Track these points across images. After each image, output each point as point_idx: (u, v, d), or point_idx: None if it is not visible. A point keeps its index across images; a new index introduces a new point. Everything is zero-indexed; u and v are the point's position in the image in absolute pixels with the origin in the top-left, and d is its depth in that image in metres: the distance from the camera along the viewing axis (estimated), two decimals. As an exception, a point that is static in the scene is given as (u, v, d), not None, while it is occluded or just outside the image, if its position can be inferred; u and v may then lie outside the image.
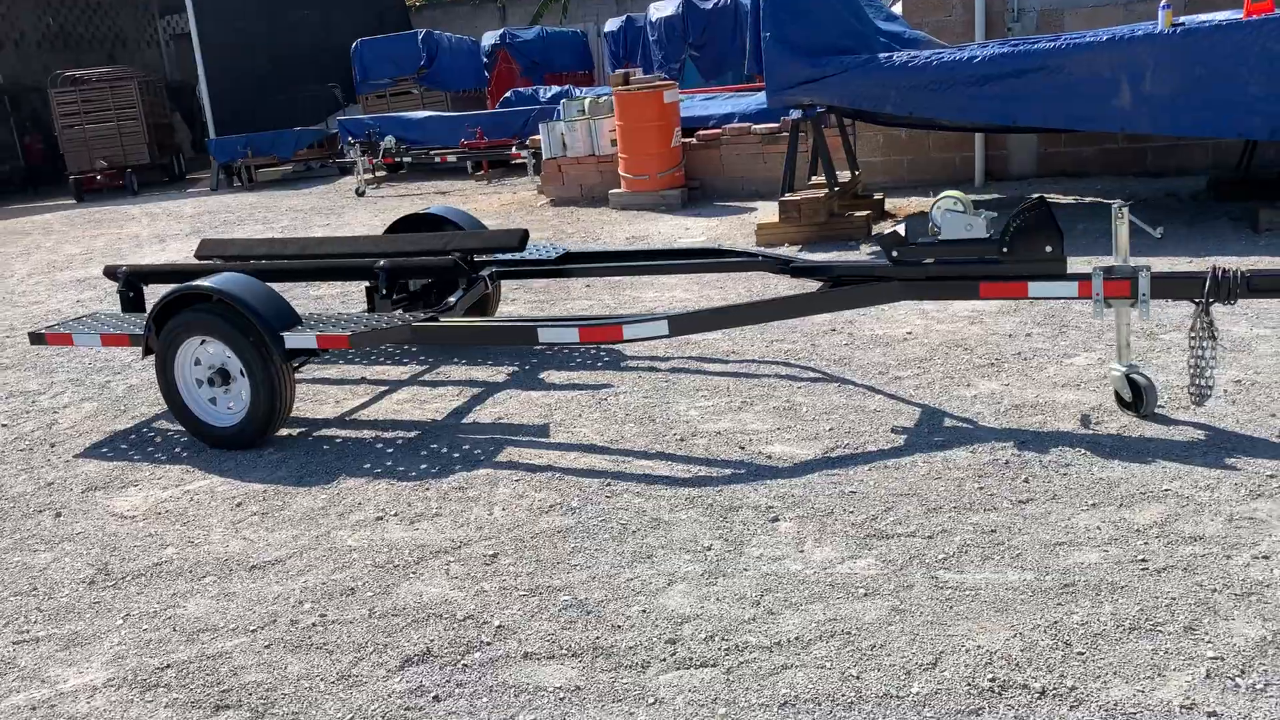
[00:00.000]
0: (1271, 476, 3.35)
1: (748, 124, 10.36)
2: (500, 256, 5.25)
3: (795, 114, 7.52)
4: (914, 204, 8.82)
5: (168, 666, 2.87)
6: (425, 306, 5.11)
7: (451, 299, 4.91)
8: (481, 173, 15.43)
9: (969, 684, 2.47)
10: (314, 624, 3.01)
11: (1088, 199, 8.37)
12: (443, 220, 5.52)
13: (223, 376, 4.38)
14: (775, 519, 3.39)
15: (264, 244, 5.56)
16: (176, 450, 4.53)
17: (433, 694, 2.63)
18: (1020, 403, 4.15)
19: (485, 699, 2.59)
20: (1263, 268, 3.67)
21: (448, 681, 2.68)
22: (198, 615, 3.13)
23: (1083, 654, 2.55)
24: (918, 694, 2.46)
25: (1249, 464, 3.44)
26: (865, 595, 2.90)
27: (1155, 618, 2.66)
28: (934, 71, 6.72)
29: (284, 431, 4.60)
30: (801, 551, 3.17)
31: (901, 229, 4.08)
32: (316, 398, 5.07)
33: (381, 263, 4.76)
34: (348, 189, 15.37)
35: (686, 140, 10.47)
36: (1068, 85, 6.47)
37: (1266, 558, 2.89)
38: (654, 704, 2.52)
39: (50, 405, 5.42)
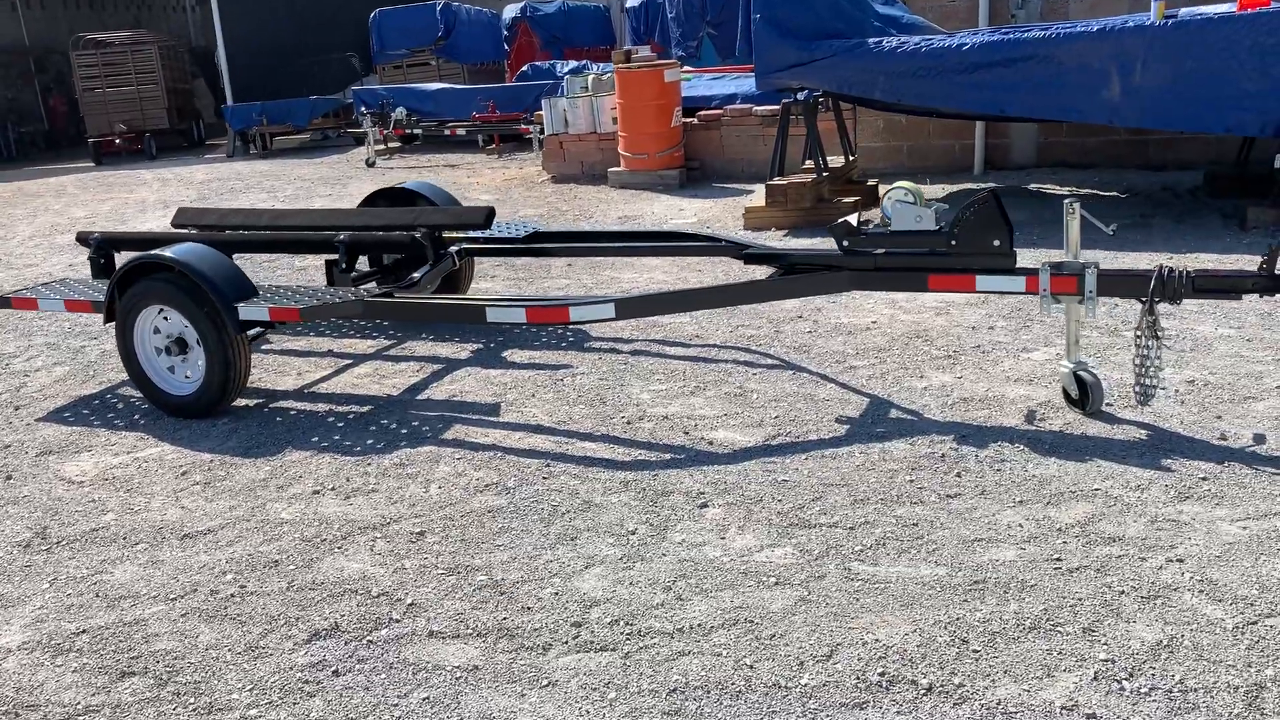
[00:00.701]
0: (1204, 479, 3.32)
1: (749, 105, 10.30)
2: (471, 234, 5.25)
3: (788, 98, 7.46)
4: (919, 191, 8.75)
5: (83, 632, 2.91)
6: (395, 281, 5.12)
7: (417, 274, 4.93)
8: (493, 146, 15.41)
9: (859, 677, 2.48)
10: (233, 594, 3.05)
11: (1084, 190, 8.28)
12: (416, 195, 5.53)
13: (180, 345, 4.41)
14: (704, 505, 3.39)
15: (238, 214, 5.59)
16: (135, 417, 4.58)
17: (333, 669, 2.66)
18: (969, 396, 4.13)
19: (384, 675, 2.62)
20: (1208, 268, 3.63)
21: (350, 657, 2.71)
22: (123, 582, 3.17)
23: (978, 652, 2.55)
24: (806, 685, 2.47)
25: (1184, 465, 3.42)
26: (776, 584, 2.91)
27: (1057, 618, 2.65)
28: (923, 58, 6.65)
29: (242, 402, 4.64)
30: (723, 539, 3.17)
31: (854, 219, 4.05)
32: (281, 369, 5.11)
33: (341, 236, 4.77)
34: (359, 159, 15.40)
35: (688, 120, 10.42)
36: (1057, 75, 6.40)
37: (1181, 561, 2.87)
38: (547, 686, 2.54)
39: (23, 368, 5.48)
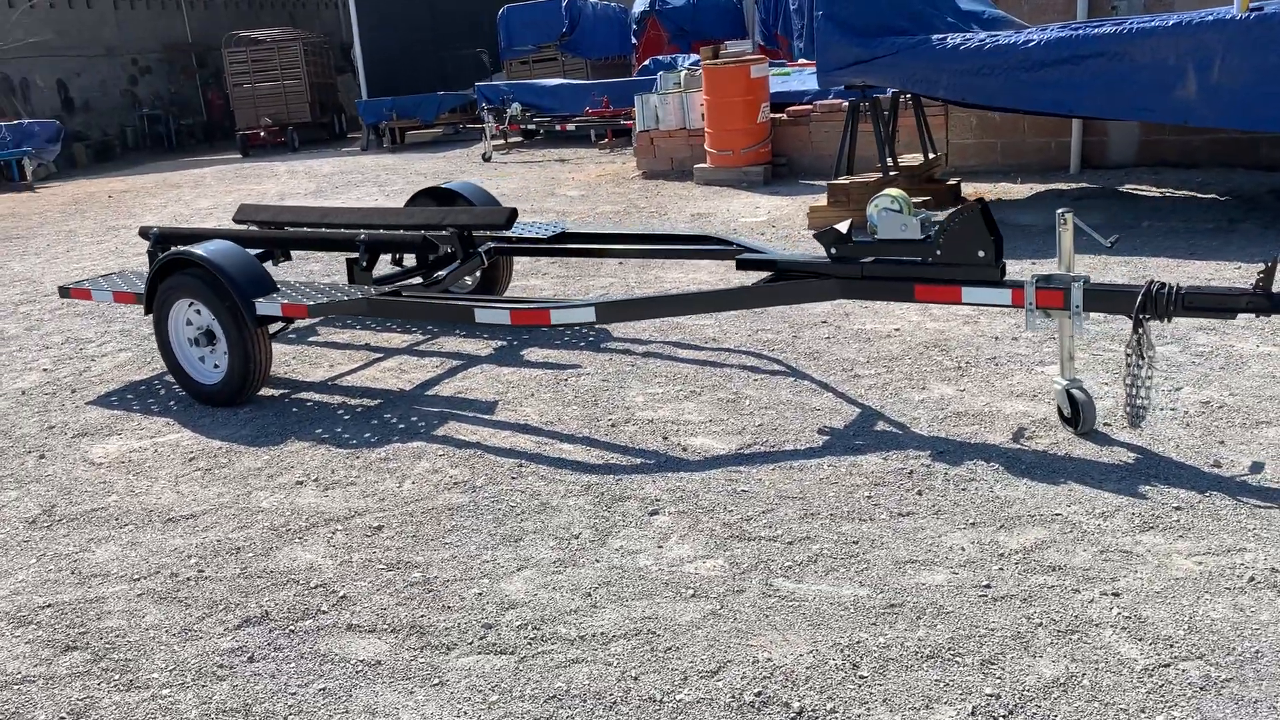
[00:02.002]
0: (1178, 508, 3.15)
1: (840, 100, 10.11)
2: (503, 234, 5.35)
3: (855, 95, 7.32)
4: (1000, 190, 8.47)
5: (49, 606, 3.13)
6: (430, 278, 5.26)
7: (442, 273, 5.06)
8: (605, 141, 15.58)
9: (734, 696, 2.46)
10: (189, 578, 3.23)
11: (1181, 192, 7.84)
12: (456, 195, 5.67)
13: (209, 337, 4.66)
14: (655, 512, 3.40)
15: (289, 211, 5.85)
16: (171, 404, 4.86)
17: (249, 655, 2.79)
18: (964, 410, 4.00)
19: (292, 665, 2.74)
20: (1200, 284, 3.42)
21: (268, 644, 2.83)
22: (100, 561, 3.39)
23: (865, 677, 2.49)
24: (680, 701, 2.46)
25: (1161, 493, 3.24)
26: (693, 597, 2.90)
27: (961, 648, 2.57)
28: (986, 56, 6.43)
29: (269, 391, 4.87)
30: (660, 548, 3.18)
31: (844, 225, 3.97)
32: (317, 360, 5.33)
33: (361, 236, 4.94)
34: (480, 154, 15.70)
35: (777, 115, 10.32)
36: (1128, 73, 6.09)
37: (1116, 595, 2.74)
38: (437, 685, 2.61)
39: (93, 353, 5.87)
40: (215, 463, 4.11)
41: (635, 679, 2.56)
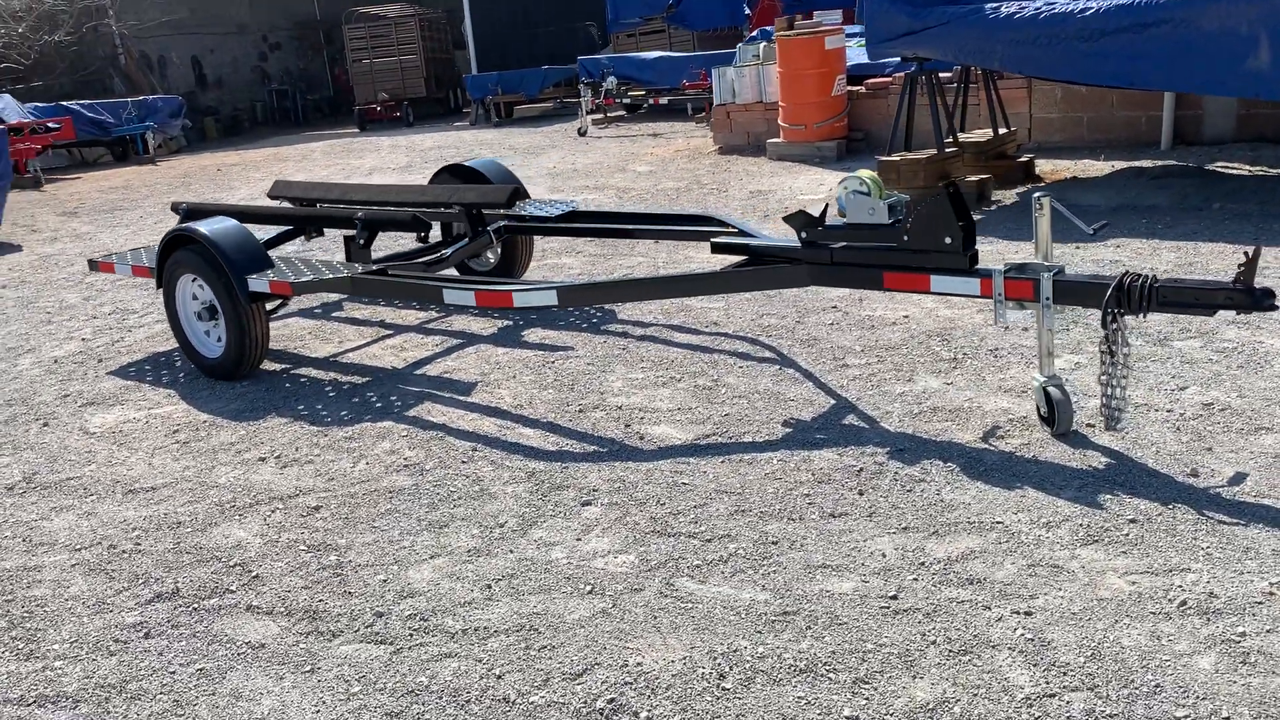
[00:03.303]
0: (1132, 520, 2.90)
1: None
2: (513, 213, 5.30)
3: (910, 67, 6.99)
4: (1079, 168, 8.01)
5: (-11, 572, 3.24)
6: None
7: (448, 251, 5.06)
8: (702, 115, 15.38)
9: (586, 703, 2.37)
10: (125, 550, 3.30)
11: (1275, 171, 7.26)
12: (475, 172, 5.65)
13: (211, 312, 4.76)
14: (587, 503, 3.32)
15: (318, 188, 5.93)
16: (180, 376, 4.99)
17: (147, 631, 2.83)
18: (943, 405, 3.78)
19: (182, 643, 2.76)
20: (1176, 276, 3.13)
21: (168, 621, 2.87)
22: (52, 530, 3.50)
23: (727, 690, 2.37)
24: (532, 704, 2.39)
25: (1120, 503, 2.99)
26: (590, 593, 2.81)
27: (840, 664, 2.42)
28: (1042, 25, 6.04)
29: (274, 365, 4.95)
30: (579, 540, 3.10)
31: (826, 208, 3.78)
32: (329, 336, 5.40)
33: (359, 214, 4.96)
34: (577, 128, 15.66)
35: (855, 88, 9.98)
36: (1194, 42, 5.63)
37: (1029, 614, 2.54)
38: (308, 672, 2.59)
39: (134, 324, 6.08)
40: (194, 436, 4.20)
41: (499, 677, 2.49)
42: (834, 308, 4.97)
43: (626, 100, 16.59)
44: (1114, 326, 3.15)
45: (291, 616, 2.84)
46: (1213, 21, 5.59)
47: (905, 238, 3.48)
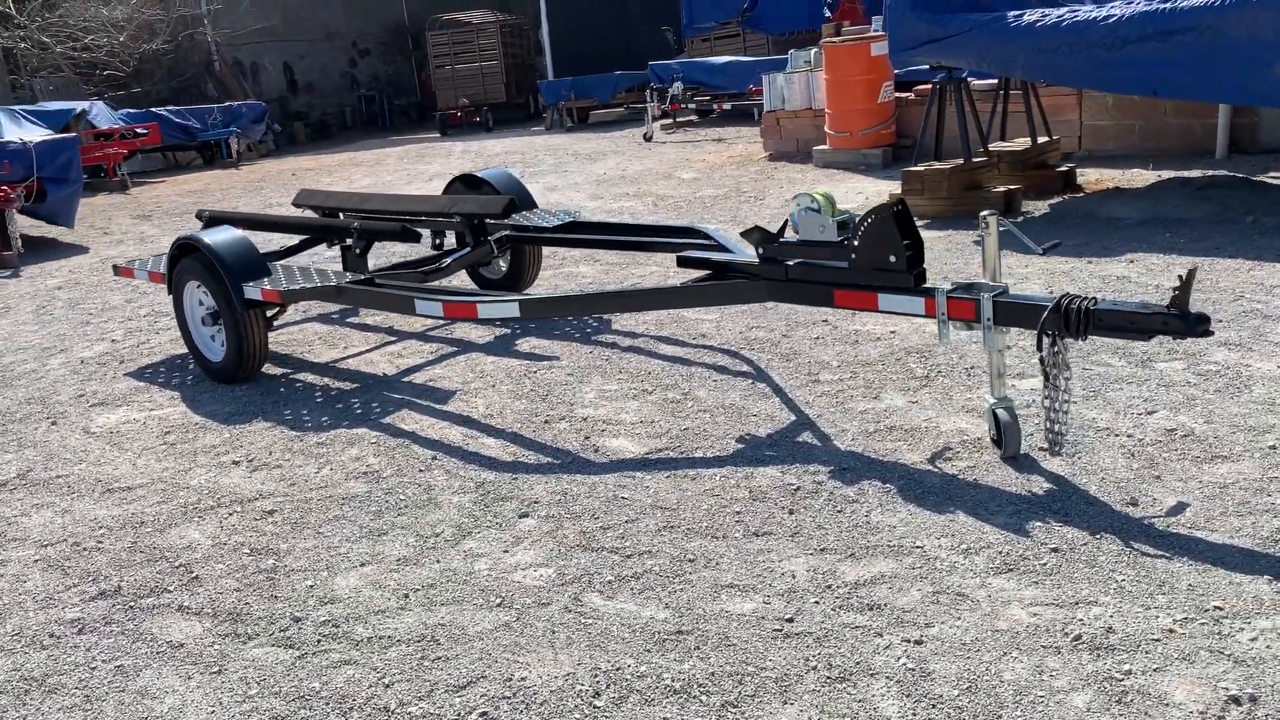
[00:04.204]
0: (1055, 550, 2.84)
1: (970, 79, 9.52)
2: (517, 223, 5.37)
3: (941, 76, 6.88)
4: (1125, 178, 7.78)
5: (-40, 565, 3.42)
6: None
7: (447, 260, 5.16)
8: (765, 120, 15.33)
9: (459, 715, 2.42)
10: (86, 548, 3.45)
11: (1328, 182, 6.96)
12: (483, 182, 5.74)
13: (214, 317, 4.94)
14: (525, 515, 3.36)
15: (337, 197, 6.09)
16: (188, 379, 5.18)
17: (81, 627, 2.96)
18: (900, 425, 3.73)
19: (109, 641, 2.89)
20: (1114, 299, 3.04)
21: (104, 619, 3.00)
22: (29, 526, 3.67)
23: (598, 708, 2.39)
24: (409, 715, 2.44)
25: (1048, 531, 2.92)
26: (499, 606, 2.86)
27: (716, 686, 2.42)
28: (1065, 33, 5.89)
29: (275, 370, 5.11)
30: (506, 552, 3.15)
31: (781, 225, 3.76)
32: (336, 341, 5.55)
33: (355, 224, 5.09)
34: (644, 134, 15.68)
35: (904, 95, 9.84)
36: (1222, 50, 5.44)
37: (920, 644, 2.50)
38: (215, 673, 2.69)
39: (163, 326, 6.32)
40: (183, 438, 4.36)
41: (388, 686, 2.55)
42: (824, 321, 4.93)
43: (692, 105, 16.60)
44: (1054, 349, 3.08)
45: (216, 618, 2.94)
46: (1240, 29, 5.39)
47: (853, 256, 3.45)
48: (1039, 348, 3.06)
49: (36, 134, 13.16)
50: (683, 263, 4.10)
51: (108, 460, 4.21)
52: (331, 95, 29.91)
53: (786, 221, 3.73)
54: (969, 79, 8.86)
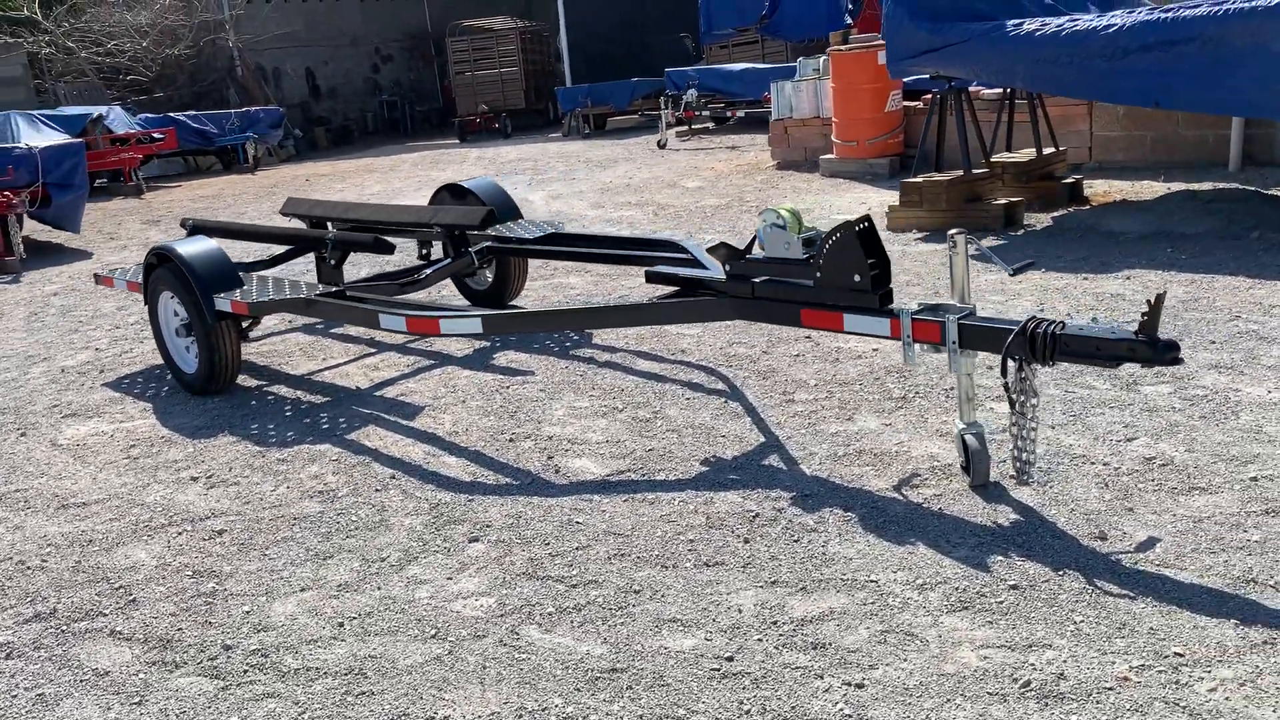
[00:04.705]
0: (1014, 587, 2.70)
1: (979, 88, 9.37)
2: (499, 234, 5.28)
3: (942, 86, 6.74)
4: (1134, 190, 7.61)
5: (-97, 583, 3.36)
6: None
7: (428, 271, 5.08)
8: (781, 128, 15.19)
9: (374, 755, 2.32)
10: (30, 567, 3.38)
11: (1342, 196, 6.76)
12: (467, 192, 5.65)
13: (188, 328, 4.87)
14: (475, 539, 3.27)
15: (323, 205, 6.03)
16: (163, 390, 5.12)
17: (9, 651, 2.89)
18: (869, 449, 3.60)
19: (35, 667, 2.81)
20: (1080, 323, 2.90)
21: (33, 643, 2.92)
22: (-23, 542, 3.61)
23: (518, 751, 2.29)
24: (323, 753, 2.34)
25: (1010, 566, 2.79)
26: (433, 637, 2.76)
27: (643, 729, 2.31)
28: (1064, 43, 5.73)
29: (250, 381, 5.05)
30: (449, 580, 3.05)
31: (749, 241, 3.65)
32: (316, 352, 5.47)
33: (330, 235, 5.01)
34: (665, 140, 15.52)
35: (912, 104, 9.69)
36: (1225, 61, 5.27)
37: (860, 687, 2.38)
38: (136, 704, 2.60)
39: (148, 335, 6.25)
40: (146, 452, 4.29)
41: (303, 723, 2.46)
42: (807, 337, 4.81)
43: (706, 113, 16.49)
44: (1021, 375, 2.95)
45: (147, 644, 2.86)
46: (1244, 39, 5.22)
47: (818, 274, 3.33)
48: (1003, 373, 2.93)
49: (55, 138, 13.27)
50: (651, 278, 3.99)
51: (69, 474, 4.14)
52: (354, 101, 29.99)
53: (753, 238, 3.61)
54: (977, 88, 8.71)
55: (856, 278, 3.23)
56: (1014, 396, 2.94)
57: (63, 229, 10.59)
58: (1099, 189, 7.75)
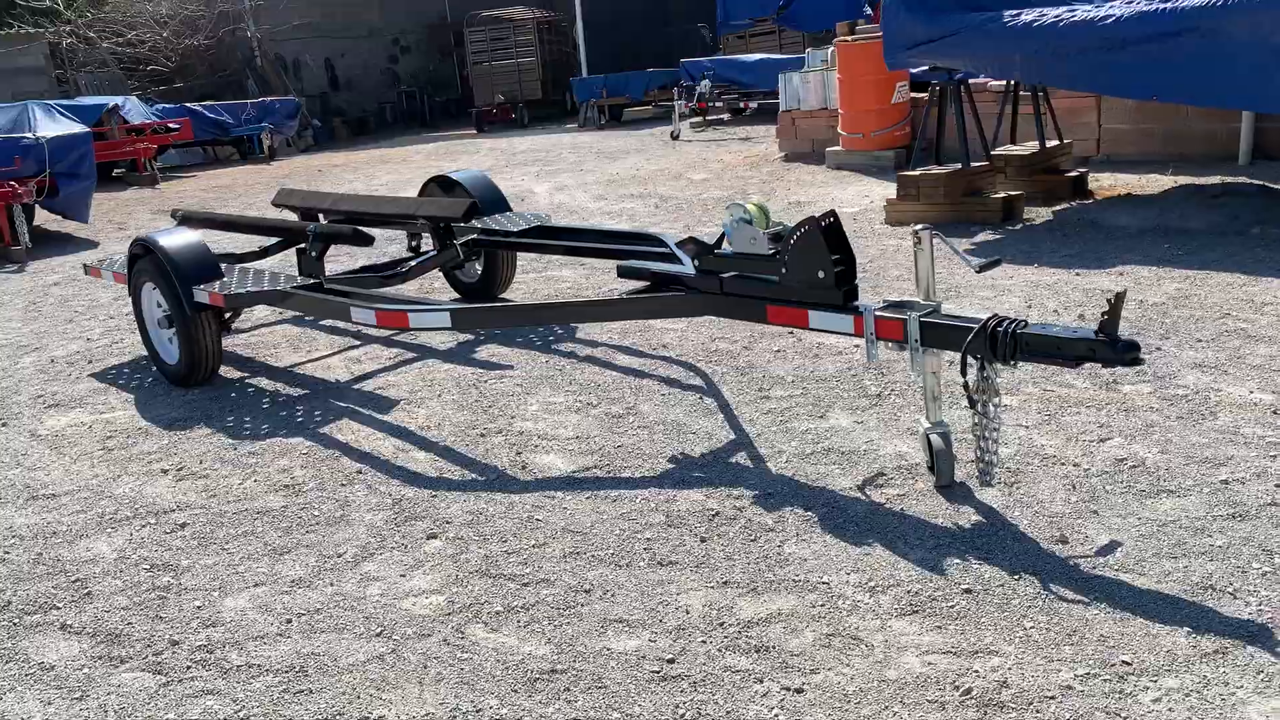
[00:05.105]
0: (967, 591, 2.65)
1: (986, 79, 9.24)
2: (480, 226, 5.25)
3: (941, 77, 6.65)
4: (1140, 184, 7.49)
5: None
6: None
7: (412, 263, 5.05)
8: (794, 119, 15.08)
9: (304, 755, 2.29)
10: (-8, 559, 3.38)
11: (1352, 191, 6.63)
12: (455, 184, 5.62)
13: (170, 320, 4.87)
14: (433, 536, 3.24)
15: (314, 196, 6.02)
16: (147, 380, 5.12)
17: (-41, 644, 2.88)
18: (838, 448, 3.55)
19: (-16, 659, 2.80)
20: (1041, 321, 2.84)
21: (-16, 636, 2.92)
22: (-56, 533, 3.61)
23: (447, 753, 2.26)
24: (254, 752, 2.32)
25: (965, 570, 2.74)
26: (378, 635, 2.73)
27: (575, 732, 2.27)
28: (1061, 34, 5.63)
29: (233, 373, 5.04)
30: (403, 577, 3.02)
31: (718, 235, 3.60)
32: (304, 343, 5.46)
33: (311, 227, 4.99)
34: (681, 131, 15.41)
35: (919, 95, 9.57)
36: (1225, 53, 5.16)
37: (798, 692, 2.34)
38: (77, 699, 2.59)
39: (141, 326, 6.28)
40: (122, 444, 4.29)
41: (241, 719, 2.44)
42: (790, 333, 4.74)
43: (719, 104, 16.39)
44: (984, 374, 2.89)
45: (96, 638, 2.85)
46: (1244, 30, 5.11)
47: (783, 270, 3.28)
48: (962, 372, 2.87)
49: (69, 128, 13.36)
50: (623, 273, 3.94)
51: (43, 466, 4.15)
52: (372, 91, 29.99)
53: (722, 234, 3.56)
54: (984, 80, 8.60)
55: (820, 274, 3.17)
56: (974, 396, 2.88)
57: (71, 218, 10.64)
58: (1105, 182, 7.63)
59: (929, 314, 3.01)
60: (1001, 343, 2.81)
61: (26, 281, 8.33)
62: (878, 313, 3.08)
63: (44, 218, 11.15)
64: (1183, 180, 7.38)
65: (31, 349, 6.02)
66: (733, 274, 3.47)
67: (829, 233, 3.16)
